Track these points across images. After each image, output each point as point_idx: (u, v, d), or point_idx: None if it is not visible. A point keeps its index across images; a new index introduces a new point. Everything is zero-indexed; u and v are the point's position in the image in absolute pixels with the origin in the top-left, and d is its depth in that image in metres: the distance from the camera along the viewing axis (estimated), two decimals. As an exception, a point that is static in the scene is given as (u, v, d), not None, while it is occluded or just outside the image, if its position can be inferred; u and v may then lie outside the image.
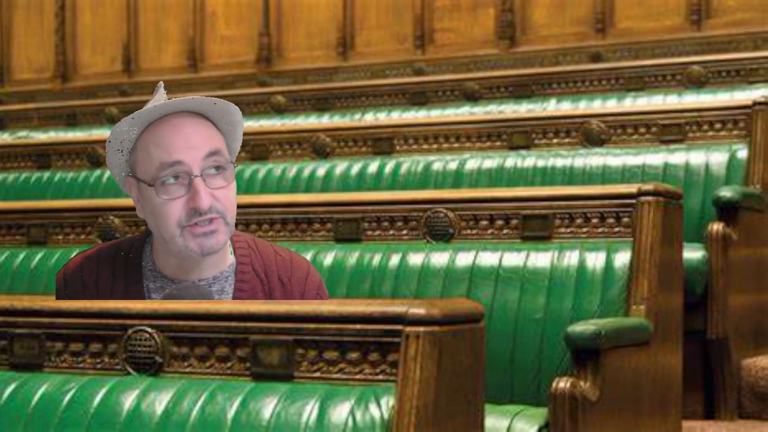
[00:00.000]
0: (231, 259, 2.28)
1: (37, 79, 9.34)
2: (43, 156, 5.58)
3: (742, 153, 4.26)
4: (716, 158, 4.26)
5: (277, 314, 1.89)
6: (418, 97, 6.42)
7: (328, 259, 3.36)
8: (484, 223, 3.31)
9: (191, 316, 1.96)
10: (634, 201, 3.16)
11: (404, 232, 3.39)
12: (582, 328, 2.75)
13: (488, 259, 3.21)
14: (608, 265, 3.09)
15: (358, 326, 1.83)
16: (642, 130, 4.49)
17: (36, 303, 2.08)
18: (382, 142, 4.84)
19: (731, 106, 4.48)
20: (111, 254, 2.30)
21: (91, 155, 5.41)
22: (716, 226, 3.87)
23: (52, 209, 3.91)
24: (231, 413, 1.85)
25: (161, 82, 2.35)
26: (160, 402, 1.90)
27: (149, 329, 1.97)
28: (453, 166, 4.57)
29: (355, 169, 4.72)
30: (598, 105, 5.58)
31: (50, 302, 2.09)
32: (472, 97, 6.24)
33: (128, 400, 1.92)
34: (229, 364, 1.93)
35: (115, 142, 2.24)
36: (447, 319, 1.79)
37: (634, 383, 2.94)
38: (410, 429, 1.74)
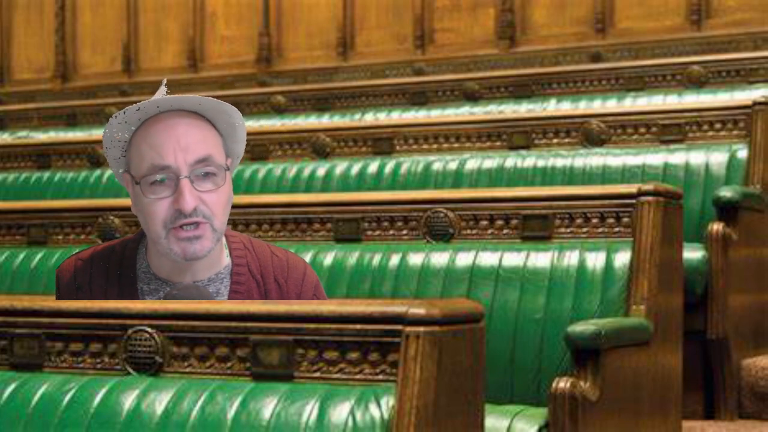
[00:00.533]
0: (227, 260, 2.26)
1: (37, 79, 9.35)
2: (43, 156, 5.58)
3: (742, 153, 4.26)
4: (716, 158, 4.26)
5: (277, 314, 1.89)
6: (418, 97, 6.42)
7: (328, 259, 3.36)
8: (484, 223, 3.31)
9: (191, 316, 1.96)
10: (634, 201, 3.16)
11: (404, 232, 3.39)
12: (582, 328, 2.75)
13: (488, 259, 3.21)
14: (608, 265, 3.09)
15: (358, 326, 1.83)
16: (642, 130, 4.49)
17: (36, 303, 2.08)
18: (382, 142, 4.84)
19: (731, 106, 4.48)
20: (105, 256, 2.28)
21: (91, 155, 5.41)
22: (716, 226, 3.87)
23: (52, 209, 3.91)
24: (231, 413, 1.85)
25: (164, 80, 2.34)
26: (160, 402, 1.90)
27: (149, 329, 1.97)
28: (453, 166, 4.57)
29: (355, 169, 4.72)
30: (598, 105, 5.58)
31: (50, 302, 2.09)
32: (472, 97, 6.24)
33: (128, 400, 1.92)
34: (229, 364, 1.93)
35: (109, 140, 2.22)
36: (447, 319, 1.79)
37: (634, 383, 2.94)
38: (410, 429, 1.74)
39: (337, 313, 1.85)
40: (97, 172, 5.32)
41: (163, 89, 2.23)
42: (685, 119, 4.45)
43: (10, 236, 3.91)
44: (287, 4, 8.36)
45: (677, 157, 4.30)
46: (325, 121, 6.20)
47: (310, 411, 1.81)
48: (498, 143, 4.65)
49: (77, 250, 3.67)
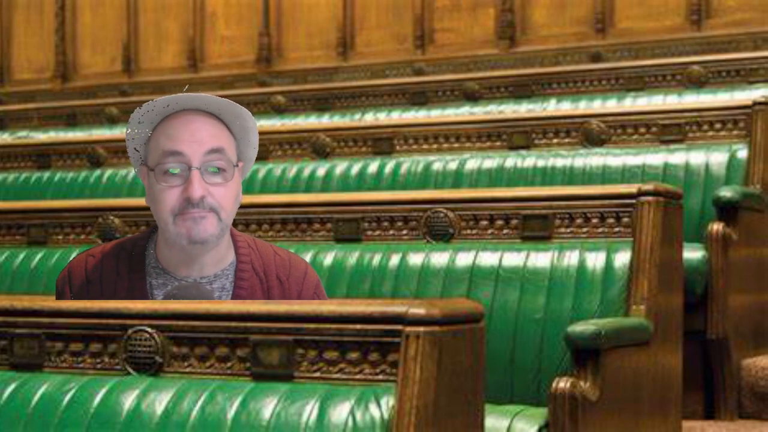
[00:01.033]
0: (232, 257, 2.32)
1: (37, 79, 9.35)
2: (43, 156, 5.58)
3: (742, 153, 4.26)
4: (716, 158, 4.26)
5: (277, 314, 1.89)
6: (418, 97, 6.42)
7: (328, 259, 3.36)
8: (484, 223, 3.31)
9: (191, 316, 1.96)
10: (634, 201, 3.16)
11: (404, 232, 3.39)
12: (582, 328, 2.75)
13: (488, 259, 3.21)
14: (608, 265, 3.09)
15: (358, 326, 1.83)
16: (642, 130, 4.49)
17: (36, 303, 2.08)
18: (382, 142, 4.84)
19: (731, 106, 4.48)
20: (115, 251, 2.34)
21: (91, 155, 5.41)
22: (716, 226, 3.87)
23: (52, 209, 3.91)
24: (231, 413, 1.85)
25: (186, 86, 2.41)
26: (160, 402, 1.90)
27: (149, 329, 1.97)
28: (453, 166, 4.57)
29: (355, 169, 4.72)
30: (598, 105, 5.57)
31: (50, 302, 2.09)
32: (472, 97, 6.24)
33: (128, 400, 1.92)
34: (229, 364, 1.93)
35: (131, 136, 2.31)
36: (447, 319, 1.79)
37: (634, 383, 2.94)
38: (410, 429, 1.74)
39: (337, 313, 1.85)
40: (97, 172, 5.32)
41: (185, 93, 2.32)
42: (685, 119, 4.45)
43: (10, 236, 3.91)
44: (287, 4, 8.36)
45: (677, 157, 4.30)
46: (325, 121, 6.20)
47: (310, 411, 1.81)
48: (498, 143, 4.65)
49: (77, 250, 3.69)
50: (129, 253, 2.32)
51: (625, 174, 4.30)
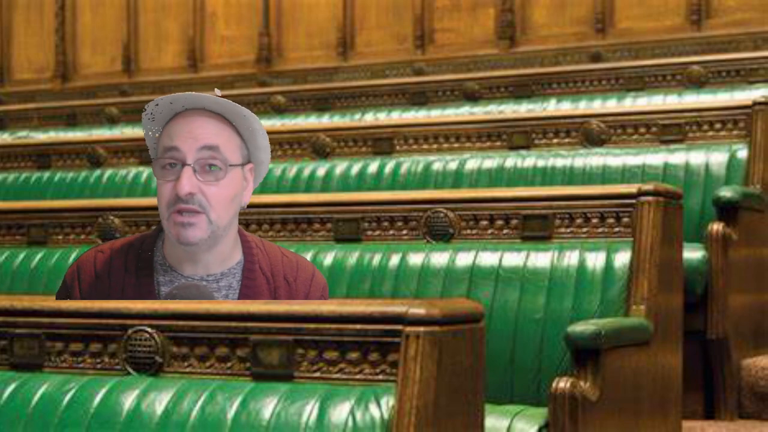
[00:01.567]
0: (239, 256, 2.34)
1: (37, 79, 9.35)
2: (43, 156, 5.58)
3: (742, 153, 4.26)
4: (716, 158, 4.26)
5: (277, 314, 1.89)
6: (418, 97, 6.42)
7: (328, 259, 3.36)
8: (484, 223, 3.31)
9: (191, 316, 1.96)
10: (634, 201, 3.16)
11: (404, 232, 3.39)
12: (582, 328, 2.75)
13: (488, 259, 3.21)
14: (608, 265, 3.09)
15: (358, 326, 1.83)
16: (642, 130, 4.49)
17: (36, 303, 2.08)
18: (382, 142, 4.84)
19: (731, 106, 4.48)
20: (123, 249, 2.37)
21: (91, 155, 5.41)
22: (716, 226, 3.87)
23: (52, 209, 3.91)
24: (231, 413, 1.85)
25: (216, 89, 2.44)
26: (160, 402, 1.90)
27: (149, 329, 1.97)
28: (453, 166, 4.57)
29: (355, 169, 4.72)
30: (598, 105, 5.57)
31: (50, 302, 2.09)
32: (472, 97, 6.24)
33: (128, 400, 1.92)
34: (229, 364, 1.93)
35: (146, 137, 2.36)
36: (447, 319, 1.79)
37: (634, 383, 2.94)
38: (410, 429, 1.74)
39: (337, 313, 1.85)
40: (97, 172, 5.31)
41: (217, 93, 2.36)
42: (685, 119, 4.45)
43: (10, 236, 3.91)
44: (287, 4, 8.36)
45: (677, 157, 4.30)
46: (325, 121, 6.20)
47: (310, 411, 1.81)
48: (498, 143, 4.65)
49: (77, 250, 3.69)
50: (137, 250, 2.35)
51: (625, 174, 4.30)
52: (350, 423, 1.78)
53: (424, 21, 7.85)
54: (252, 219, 3.53)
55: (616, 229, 3.17)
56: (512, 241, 3.26)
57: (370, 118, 6.19)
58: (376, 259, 3.32)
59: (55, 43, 9.25)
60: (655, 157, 4.32)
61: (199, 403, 1.88)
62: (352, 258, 3.35)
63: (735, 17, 6.96)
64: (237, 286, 2.32)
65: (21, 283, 3.77)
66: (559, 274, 3.11)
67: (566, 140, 4.55)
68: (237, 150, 2.30)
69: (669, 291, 3.16)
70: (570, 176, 4.37)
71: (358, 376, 1.84)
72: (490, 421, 2.52)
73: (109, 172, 5.27)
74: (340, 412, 1.80)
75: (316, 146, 4.95)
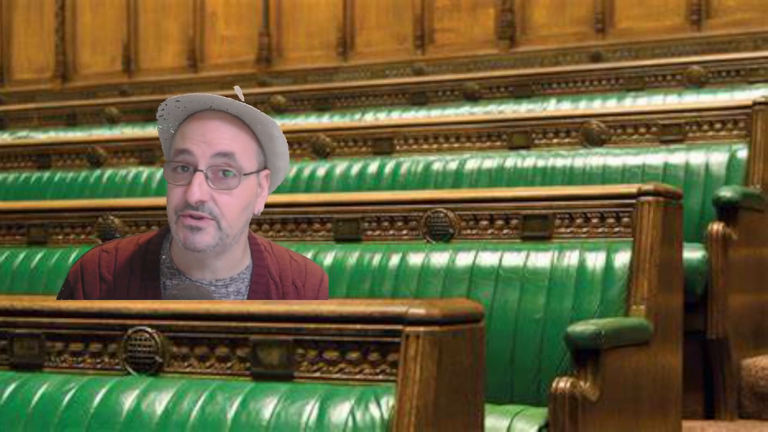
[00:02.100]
0: (248, 261, 2.29)
1: (37, 79, 9.35)
2: (43, 156, 5.58)
3: (742, 153, 4.26)
4: (716, 158, 4.26)
5: (277, 314, 1.89)
6: (418, 97, 6.42)
7: (328, 259, 3.36)
8: (484, 223, 3.31)
9: (191, 316, 1.96)
10: (634, 201, 3.16)
11: (404, 232, 3.39)
12: (582, 328, 2.75)
13: (488, 259, 3.21)
14: (608, 265, 3.09)
15: (358, 326, 1.83)
16: (642, 130, 4.49)
17: (36, 303, 2.08)
18: (382, 142, 4.84)
19: (731, 106, 4.48)
20: (130, 249, 2.30)
21: (91, 155, 5.41)
22: (716, 226, 3.87)
23: (52, 209, 3.91)
24: (231, 413, 1.85)
25: (237, 87, 2.38)
26: (160, 402, 1.90)
27: (149, 329, 1.97)
28: (453, 166, 4.57)
29: (355, 169, 4.72)
30: (598, 105, 5.57)
31: (50, 302, 2.09)
32: (472, 97, 6.24)
33: (128, 400, 1.92)
34: (229, 364, 1.93)
35: (160, 133, 2.28)
36: (447, 319, 1.79)
37: (634, 383, 2.94)
38: (410, 429, 1.74)
39: (337, 313, 1.85)
40: (97, 172, 5.31)
41: (238, 92, 2.28)
42: (685, 119, 4.45)
43: (10, 236, 3.91)
44: (287, 4, 8.36)
45: (677, 157, 4.30)
46: (325, 121, 6.20)
47: (310, 411, 1.81)
48: (498, 143, 4.65)
49: (77, 250, 3.69)
50: (144, 252, 2.28)
51: (625, 174, 4.30)
52: (350, 423, 1.78)
53: (424, 21, 7.85)
54: (252, 219, 3.52)
55: (616, 229, 3.17)
56: (512, 241, 3.26)
57: (370, 118, 6.19)
58: (376, 259, 3.32)
59: (55, 43, 9.25)
60: (655, 157, 4.32)
61: (199, 403, 1.88)
62: (352, 258, 3.35)
63: (735, 17, 6.96)
64: (245, 291, 2.26)
65: (21, 283, 3.77)
66: (559, 274, 3.11)
67: (566, 140, 4.55)
68: (253, 156, 2.22)
69: (669, 291, 3.16)
70: (570, 176, 4.37)
71: (358, 376, 1.84)
72: (490, 421, 2.52)
73: (109, 172, 5.27)
74: (340, 412, 1.80)
75: (316, 146, 4.95)
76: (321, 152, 4.95)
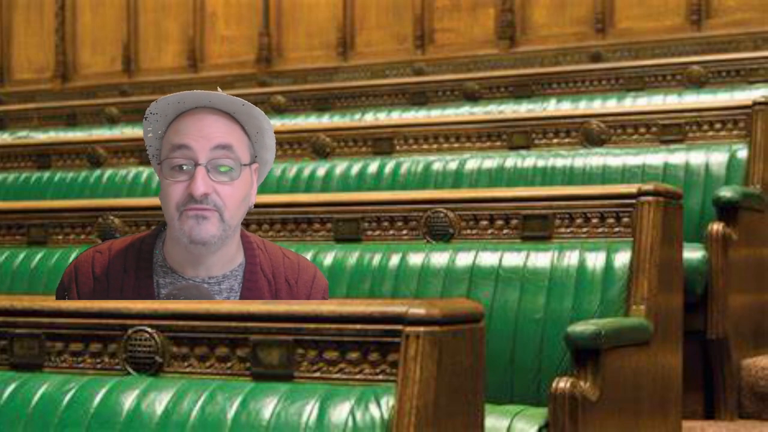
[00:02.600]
0: (241, 258, 2.31)
1: (37, 79, 9.35)
2: (43, 156, 5.58)
3: (742, 153, 4.26)
4: (716, 158, 4.26)
5: (277, 314, 1.89)
6: (418, 97, 6.42)
7: (328, 259, 3.36)
8: (484, 223, 3.31)
9: (191, 316, 1.96)
10: (634, 201, 3.16)
11: (404, 232, 3.39)
12: (582, 328, 2.75)
13: (488, 259, 3.21)
14: (608, 265, 3.09)
15: (358, 326, 1.83)
16: (642, 130, 4.49)
17: (36, 303, 2.08)
18: (382, 142, 4.84)
19: (731, 106, 4.48)
20: (122, 249, 2.32)
21: (91, 155, 5.41)
22: (716, 226, 3.87)
23: (52, 209, 3.91)
24: (231, 413, 1.85)
25: (218, 88, 2.40)
26: (160, 402, 1.90)
27: (149, 329, 1.97)
28: (453, 166, 4.57)
29: (355, 169, 4.72)
30: (598, 105, 5.58)
31: (50, 302, 2.09)
32: (472, 97, 6.24)
33: (128, 400, 1.92)
34: (229, 364, 1.93)
35: (146, 134, 2.31)
36: (447, 319, 1.79)
37: (634, 383, 2.94)
38: (410, 429, 1.74)
39: (337, 313, 1.85)
40: (97, 172, 5.31)
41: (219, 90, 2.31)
42: (685, 119, 4.45)
43: (10, 236, 3.91)
44: (287, 4, 8.36)
45: (677, 157, 4.30)
46: (325, 121, 6.20)
47: (310, 411, 1.81)
48: (498, 143, 4.65)
49: (77, 250, 3.69)
50: (137, 251, 2.30)
51: (625, 174, 4.30)
52: (350, 423, 1.78)
53: (424, 21, 7.85)
54: (252, 219, 3.53)
55: (616, 229, 3.17)
56: (512, 241, 3.26)
57: (370, 118, 6.19)
58: (376, 259, 3.32)
59: (55, 43, 9.25)
60: (655, 157, 4.32)
61: (199, 403, 1.88)
62: (352, 258, 3.35)
63: (735, 17, 6.96)
64: (238, 288, 2.28)
65: (21, 283, 3.77)
66: (559, 274, 3.11)
67: (566, 140, 4.55)
68: (246, 149, 2.27)
69: (669, 291, 3.16)
70: (570, 176, 4.37)
71: (358, 376, 1.84)
72: (490, 421, 2.52)
73: (109, 172, 5.27)
74: (340, 412, 1.80)
75: (316, 146, 4.95)
76: (321, 152, 4.95)
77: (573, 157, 4.42)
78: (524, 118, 4.75)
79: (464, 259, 3.23)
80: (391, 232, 3.40)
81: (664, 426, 3.15)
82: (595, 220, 3.20)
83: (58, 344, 2.04)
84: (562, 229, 3.22)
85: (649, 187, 3.17)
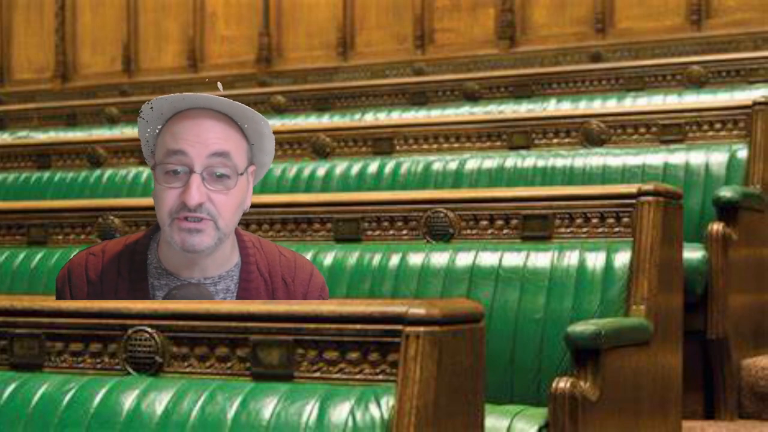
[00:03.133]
0: (236, 258, 2.28)
1: (37, 79, 9.35)
2: (43, 156, 5.58)
3: (742, 153, 4.26)
4: (716, 158, 4.26)
5: (277, 314, 1.89)
6: (418, 97, 6.42)
7: (328, 259, 3.36)
8: (484, 223, 3.31)
9: (191, 316, 1.96)
10: (634, 201, 3.16)
11: (404, 232, 3.39)
12: (582, 328, 2.75)
13: (488, 259, 3.21)
14: (608, 265, 3.09)
15: (358, 326, 1.83)
16: (642, 130, 4.49)
17: (36, 303, 2.08)
18: (382, 142, 4.84)
19: (731, 106, 4.48)
20: (116, 251, 2.29)
21: (91, 155, 5.41)
22: (716, 226, 3.87)
23: (52, 209, 3.91)
24: (231, 413, 1.85)
25: (219, 83, 2.36)
26: (160, 402, 1.90)
27: (149, 329, 1.97)
28: (453, 166, 4.57)
29: (355, 169, 4.72)
30: (598, 105, 5.58)
31: (50, 302, 2.09)
32: (472, 97, 6.24)
33: (128, 400, 1.92)
34: (229, 364, 1.93)
35: (142, 134, 2.26)
36: (447, 319, 1.79)
37: (634, 383, 2.94)
38: (410, 429, 1.74)
39: (337, 313, 1.85)
40: (97, 172, 5.32)
41: (219, 88, 2.26)
42: (685, 119, 4.45)
43: (10, 236, 3.91)
44: (287, 4, 8.36)
45: (677, 157, 4.30)
46: (325, 121, 6.20)
47: (310, 411, 1.81)
48: (498, 143, 4.65)
49: (77, 250, 3.69)
50: (131, 253, 2.27)
51: (625, 174, 4.30)
52: (350, 423, 1.78)
53: (424, 21, 7.85)
54: (252, 219, 3.53)
55: (616, 229, 3.17)
56: (512, 241, 3.26)
57: (370, 118, 6.19)
58: (376, 259, 3.32)
59: (55, 43, 9.25)
60: (655, 157, 4.32)
61: (199, 403, 1.88)
62: (352, 258, 3.34)
63: (735, 17, 6.96)
64: (234, 288, 2.26)
65: (21, 283, 3.77)
66: (559, 274, 3.11)
67: (566, 140, 4.55)
68: (244, 154, 2.22)
69: (669, 291, 3.16)
70: (570, 176, 4.37)
71: (358, 376, 1.84)
72: (490, 421, 2.52)
73: (109, 172, 5.27)
74: (340, 412, 1.80)
75: (316, 146, 4.95)
76: (321, 152, 4.95)
77: (573, 157, 4.42)
78: (524, 118, 4.75)
79: (464, 259, 3.23)
80: (391, 232, 3.40)
81: (664, 426, 3.15)
82: (595, 220, 3.20)
83: (58, 344, 2.04)
84: (562, 229, 3.23)
85: (649, 187, 3.17)
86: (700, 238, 3.92)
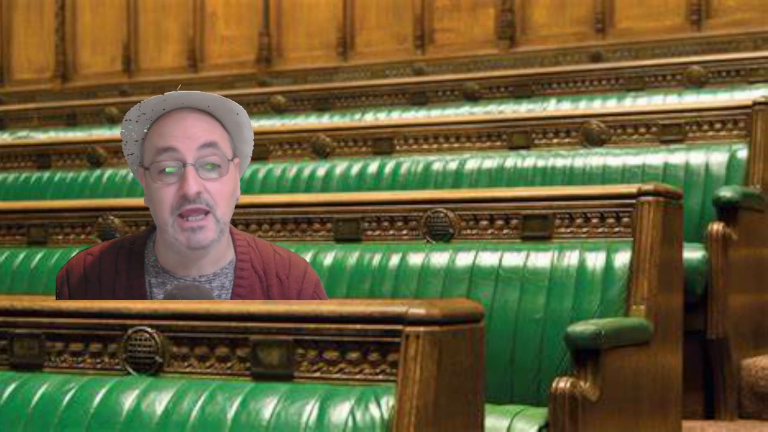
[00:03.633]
0: (231, 255, 2.30)
1: (37, 79, 9.35)
2: (43, 156, 5.58)
3: (742, 153, 4.26)
4: (716, 158, 4.26)
5: (277, 314, 1.89)
6: (418, 97, 6.42)
7: (328, 259, 3.36)
8: (484, 223, 3.31)
9: (191, 316, 1.96)
10: (634, 201, 3.16)
11: (404, 232, 3.39)
12: (582, 328, 2.75)
13: (488, 259, 3.21)
14: (608, 265, 3.09)
15: (358, 326, 1.83)
16: (642, 130, 4.49)
17: (36, 303, 2.08)
18: (382, 142, 4.84)
19: (731, 106, 4.48)
20: (114, 250, 2.31)
21: (91, 155, 5.41)
22: (716, 226, 3.87)
23: (52, 209, 3.91)
24: (231, 413, 1.85)
25: (179, 86, 2.40)
26: (160, 402, 1.90)
27: (149, 329, 1.97)
28: (453, 166, 4.57)
29: (355, 169, 4.72)
30: (598, 105, 5.57)
31: (50, 302, 2.09)
32: (472, 97, 6.24)
33: (128, 400, 1.92)
34: (229, 364, 1.93)
35: (125, 140, 2.30)
36: (447, 319, 1.79)
37: (634, 383, 2.94)
38: (410, 429, 1.74)
39: (337, 313, 1.85)
40: (97, 172, 5.32)
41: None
42: (685, 119, 4.45)
43: (10, 236, 3.91)
44: (287, 4, 8.36)
45: (677, 157, 4.30)
46: (325, 121, 6.20)
47: (310, 411, 1.81)
48: (498, 143, 4.65)
49: (77, 250, 3.69)
50: (128, 252, 2.30)
51: (625, 174, 4.30)
52: (350, 423, 1.78)
53: (424, 21, 7.85)
54: (252, 219, 3.53)
55: (616, 229, 3.17)
56: (512, 241, 3.26)
57: (370, 118, 6.19)
58: (376, 259, 3.32)
59: (55, 43, 9.25)
60: (655, 157, 4.32)
61: (199, 403, 1.88)
62: (352, 258, 3.35)
63: (735, 17, 6.96)
64: (229, 286, 2.27)
65: (21, 283, 3.77)
66: (559, 274, 3.11)
67: (566, 140, 4.55)
68: (228, 145, 2.27)
69: (669, 291, 3.16)
70: (570, 176, 4.37)
71: (358, 376, 1.84)
72: (490, 421, 2.52)
73: (109, 172, 5.27)
74: (340, 412, 1.80)
75: (316, 146, 4.95)
76: (321, 152, 4.95)
77: (573, 157, 4.42)
78: (524, 118, 4.75)
79: (464, 259, 3.23)
80: (391, 232, 3.40)
81: (664, 426, 3.15)
82: (595, 220, 3.20)
83: (58, 344, 2.04)
84: (562, 229, 3.23)
85: (649, 187, 3.17)
86: (700, 238, 3.92)
